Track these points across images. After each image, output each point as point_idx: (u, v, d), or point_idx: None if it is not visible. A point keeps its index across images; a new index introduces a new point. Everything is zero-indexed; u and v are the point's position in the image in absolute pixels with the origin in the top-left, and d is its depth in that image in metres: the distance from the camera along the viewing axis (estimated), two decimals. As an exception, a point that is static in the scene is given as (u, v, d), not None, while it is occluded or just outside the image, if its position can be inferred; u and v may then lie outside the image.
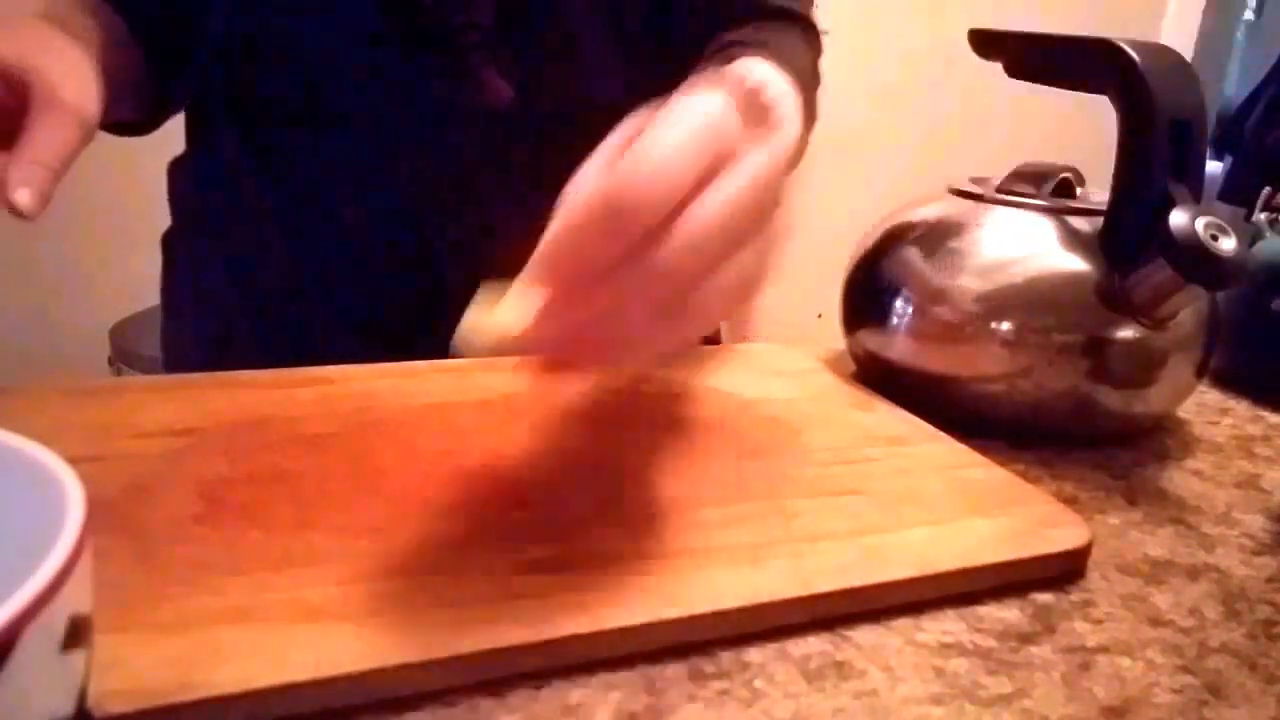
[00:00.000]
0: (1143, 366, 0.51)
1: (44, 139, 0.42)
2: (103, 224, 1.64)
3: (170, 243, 0.75)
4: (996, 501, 0.42)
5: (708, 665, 0.32)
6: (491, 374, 0.52)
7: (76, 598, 0.20)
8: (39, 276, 1.65)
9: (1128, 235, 0.49)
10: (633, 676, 0.31)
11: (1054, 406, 0.51)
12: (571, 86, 0.64)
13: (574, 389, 0.50)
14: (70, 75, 0.45)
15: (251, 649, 0.29)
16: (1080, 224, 0.52)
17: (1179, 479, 0.50)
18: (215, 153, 0.68)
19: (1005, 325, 0.50)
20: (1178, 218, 0.45)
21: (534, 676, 0.31)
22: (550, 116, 0.61)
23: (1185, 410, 0.58)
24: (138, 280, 1.65)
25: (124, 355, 1.50)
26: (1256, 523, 0.45)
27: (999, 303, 0.51)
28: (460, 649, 0.30)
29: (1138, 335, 0.49)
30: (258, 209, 0.66)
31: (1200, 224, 0.45)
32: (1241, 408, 0.60)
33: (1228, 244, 0.45)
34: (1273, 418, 0.59)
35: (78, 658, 0.21)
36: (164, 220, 0.76)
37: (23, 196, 0.40)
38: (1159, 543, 0.43)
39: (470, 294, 0.62)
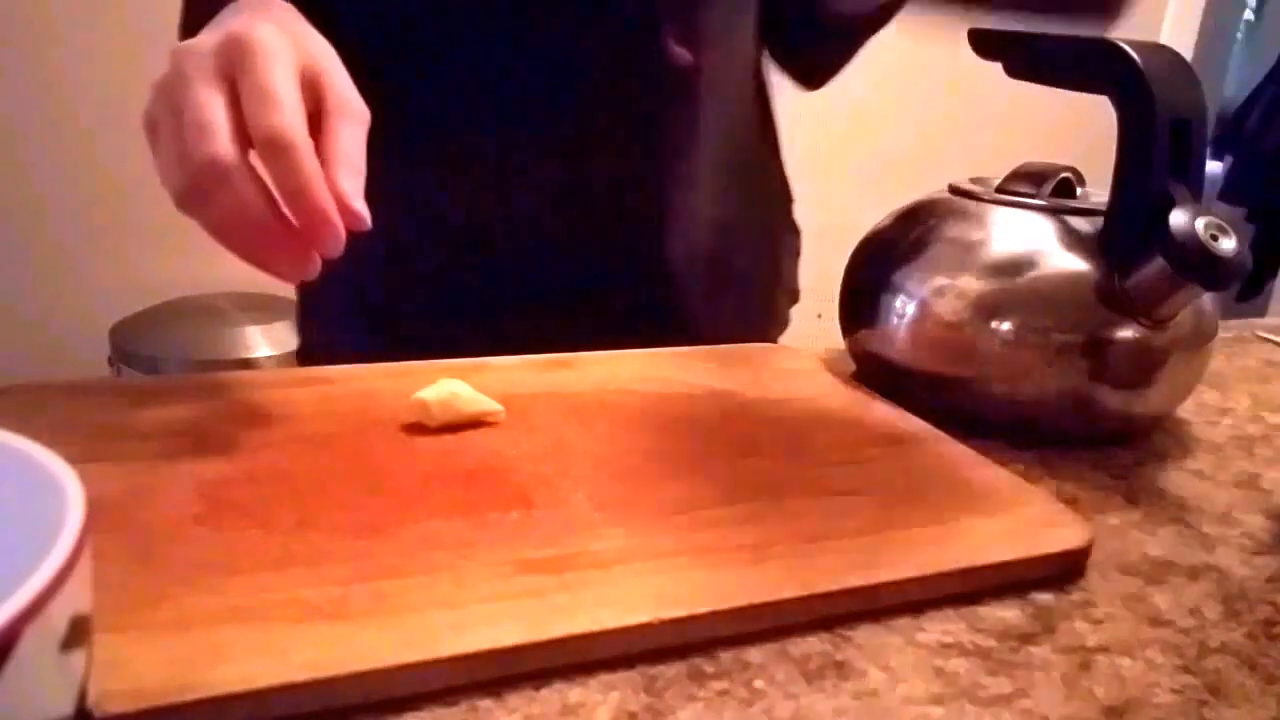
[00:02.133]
0: (1143, 366, 0.51)
1: (355, 148, 0.42)
2: (103, 224, 1.65)
3: None
4: (996, 501, 0.42)
5: (708, 665, 0.32)
6: (491, 374, 0.52)
7: (76, 598, 0.20)
8: (39, 276, 1.65)
9: (1128, 235, 0.49)
10: (633, 676, 0.31)
11: (1054, 406, 0.51)
12: (721, 48, 0.67)
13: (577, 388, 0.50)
14: (343, 72, 0.44)
15: (251, 649, 0.29)
16: (1080, 224, 0.52)
17: (1179, 479, 0.50)
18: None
19: (1005, 325, 0.50)
20: (1178, 218, 0.45)
21: (534, 676, 0.31)
22: (702, 76, 0.65)
23: (1185, 410, 0.58)
24: (138, 280, 1.65)
25: (124, 355, 1.50)
26: (1256, 523, 0.45)
27: (999, 303, 0.51)
28: (460, 649, 0.30)
29: (1138, 335, 0.49)
30: (408, 185, 0.66)
31: (1200, 224, 0.45)
32: (1241, 408, 0.60)
33: (1228, 244, 0.45)
34: (1273, 418, 0.59)
35: (78, 658, 0.21)
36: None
37: (362, 208, 0.41)
38: (1159, 543, 0.43)
39: (641, 249, 0.66)
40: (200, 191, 0.39)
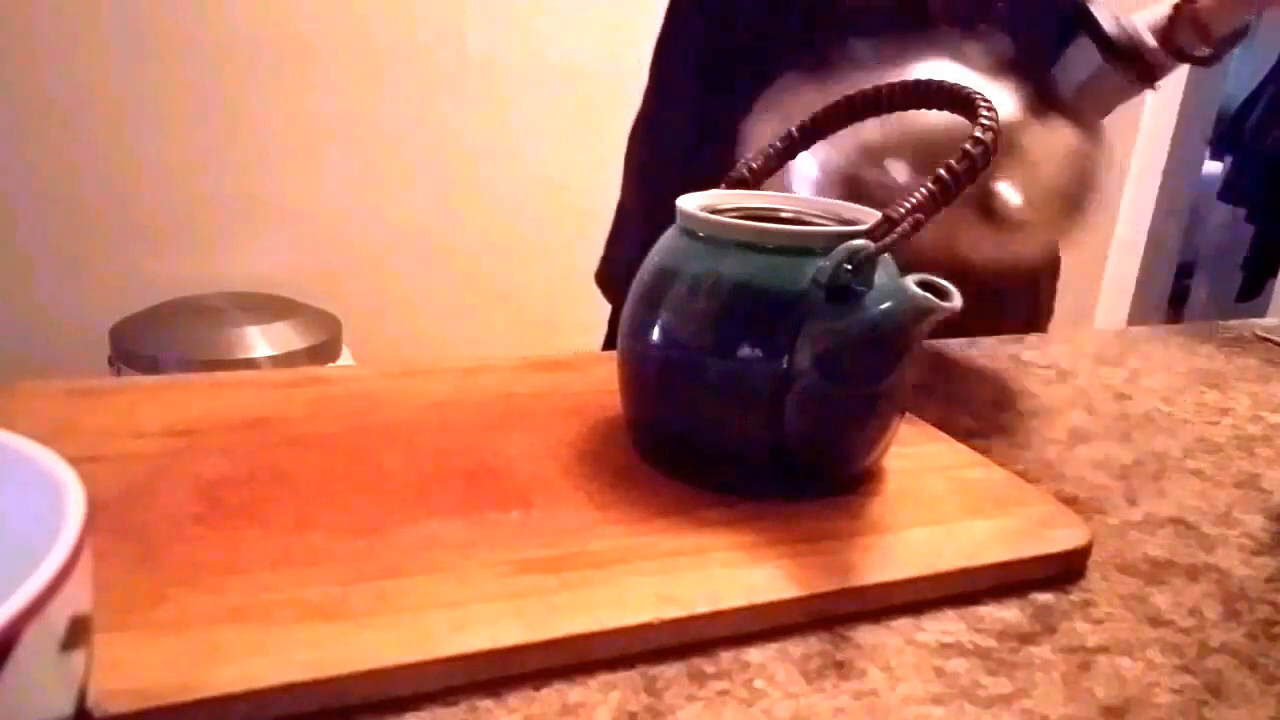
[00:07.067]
0: None
1: None
2: (103, 224, 1.65)
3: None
4: (996, 501, 0.42)
5: (708, 665, 0.32)
6: (492, 374, 0.52)
7: (76, 598, 0.20)
8: (39, 276, 1.65)
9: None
10: (633, 676, 0.31)
11: None
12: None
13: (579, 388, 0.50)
14: None
15: (251, 649, 0.29)
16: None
17: (1179, 479, 0.50)
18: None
19: None
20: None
21: (534, 676, 0.31)
22: None
23: (1185, 410, 0.59)
24: (138, 280, 1.65)
25: (124, 355, 1.50)
26: (1256, 523, 0.45)
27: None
28: (460, 649, 0.30)
29: None
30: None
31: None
32: (1242, 408, 0.60)
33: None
34: (1273, 418, 0.59)
35: (78, 658, 0.21)
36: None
37: None
38: (1159, 543, 0.43)
39: None
40: None
